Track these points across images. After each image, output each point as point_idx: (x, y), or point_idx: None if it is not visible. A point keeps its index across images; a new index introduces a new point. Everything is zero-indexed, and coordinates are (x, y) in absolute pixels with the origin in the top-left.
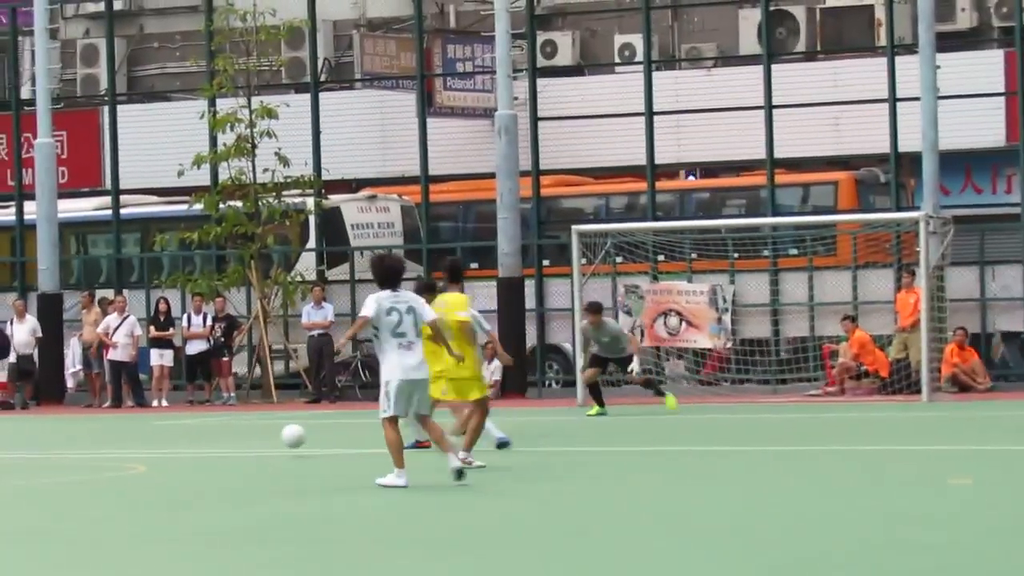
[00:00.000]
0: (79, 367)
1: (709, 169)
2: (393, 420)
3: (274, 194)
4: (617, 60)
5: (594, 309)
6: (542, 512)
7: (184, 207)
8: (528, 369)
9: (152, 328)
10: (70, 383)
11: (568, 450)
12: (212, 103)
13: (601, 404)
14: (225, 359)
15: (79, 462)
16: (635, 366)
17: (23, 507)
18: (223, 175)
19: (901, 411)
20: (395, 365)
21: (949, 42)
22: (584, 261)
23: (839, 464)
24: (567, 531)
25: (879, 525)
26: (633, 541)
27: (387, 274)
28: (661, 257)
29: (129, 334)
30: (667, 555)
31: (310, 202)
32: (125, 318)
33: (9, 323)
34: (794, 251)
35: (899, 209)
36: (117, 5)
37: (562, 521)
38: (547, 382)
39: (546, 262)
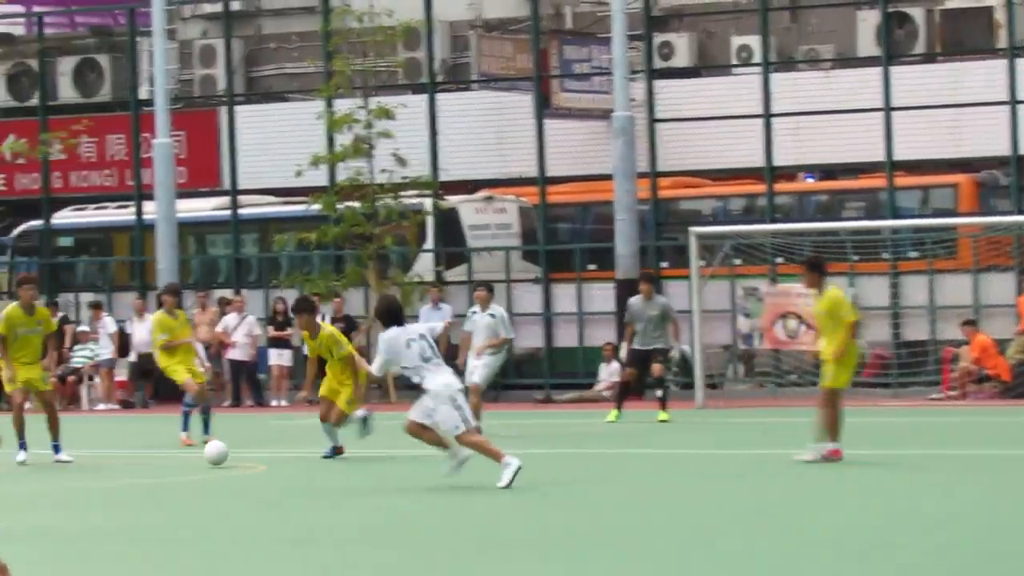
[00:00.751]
0: (206, 365)
1: (828, 171)
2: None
3: (391, 195)
4: (734, 61)
5: (648, 278)
6: (653, 513)
7: (302, 207)
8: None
9: (270, 328)
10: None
11: (679, 452)
12: (329, 104)
13: (619, 408)
14: None
15: (200, 461)
16: (675, 352)
17: (144, 506)
18: (340, 176)
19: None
20: (441, 384)
21: None
22: (702, 263)
23: (961, 469)
24: (692, 531)
25: (999, 530)
26: (752, 545)
27: (395, 313)
28: (780, 259)
29: (248, 334)
30: (774, 559)
31: (427, 203)
32: (244, 318)
33: (129, 322)
34: (914, 254)
35: (1020, 212)
36: (234, 6)
37: (680, 522)
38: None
39: (664, 264)
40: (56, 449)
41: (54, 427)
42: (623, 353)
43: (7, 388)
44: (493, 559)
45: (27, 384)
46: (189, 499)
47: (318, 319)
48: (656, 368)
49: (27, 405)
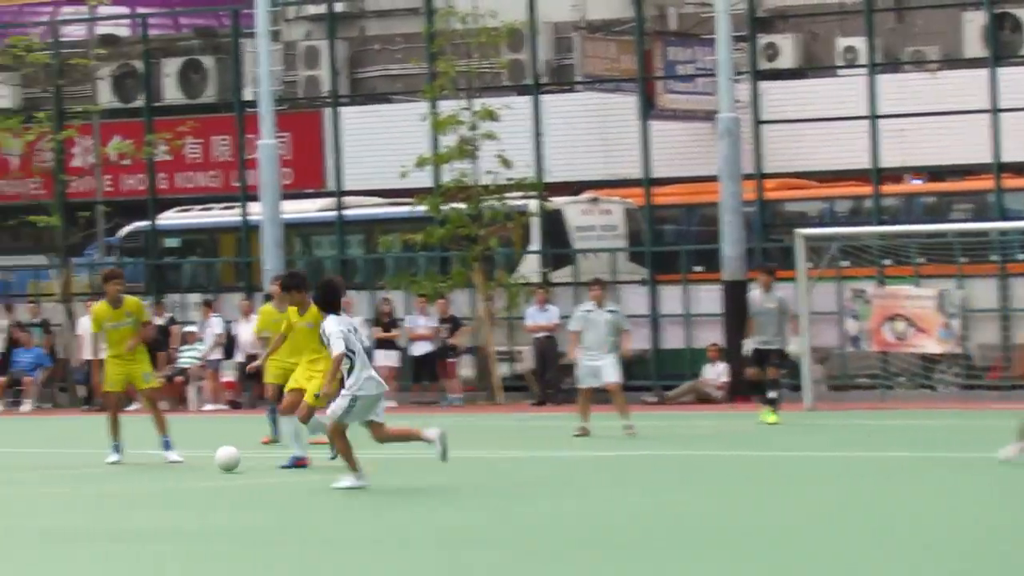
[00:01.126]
0: None
1: (935, 173)
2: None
3: (496, 196)
4: (839, 63)
5: (768, 270)
6: (758, 515)
7: (407, 209)
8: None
9: (377, 329)
10: None
11: (801, 455)
12: (433, 105)
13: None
14: (451, 360)
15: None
16: (793, 347)
17: (253, 506)
18: (445, 177)
19: None
20: (368, 379)
21: None
22: (810, 265)
23: None
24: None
25: None
26: (872, 548)
27: (337, 298)
28: (887, 261)
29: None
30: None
31: (532, 204)
32: (350, 319)
33: (235, 323)
34: (1022, 256)
35: None
36: (339, 7)
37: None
38: None
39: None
40: (167, 446)
41: (160, 424)
42: (746, 348)
43: (106, 387)
44: (600, 560)
45: (126, 379)
46: (299, 499)
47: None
48: (771, 371)
49: (133, 405)
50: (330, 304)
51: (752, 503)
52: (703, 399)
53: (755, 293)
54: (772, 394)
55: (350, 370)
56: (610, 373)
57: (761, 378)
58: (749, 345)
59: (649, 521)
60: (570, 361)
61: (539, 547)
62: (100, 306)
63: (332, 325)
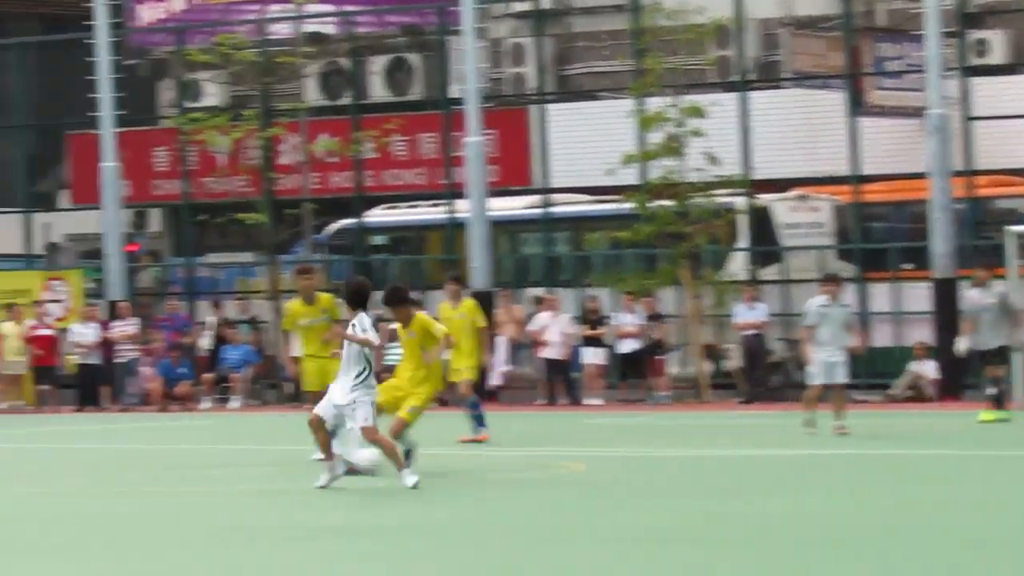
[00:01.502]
0: (506, 366)
1: None
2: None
3: (703, 193)
4: None
5: (987, 267)
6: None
7: (614, 206)
8: (963, 370)
9: (584, 327)
10: (497, 380)
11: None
12: (640, 102)
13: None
14: (658, 358)
15: (517, 460)
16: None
17: (457, 503)
18: (652, 174)
19: None
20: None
21: None
22: (1021, 263)
23: None
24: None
25: None
26: None
27: (366, 297)
28: None
29: (562, 332)
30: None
31: (740, 202)
32: (557, 317)
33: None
34: None
35: None
36: (545, 4)
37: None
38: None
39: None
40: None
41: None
42: (960, 347)
43: (306, 387)
44: (806, 560)
45: (324, 377)
46: (506, 497)
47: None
48: (990, 369)
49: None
50: (361, 303)
51: (974, 503)
52: (917, 397)
53: (973, 292)
54: (991, 391)
55: (368, 372)
56: (842, 372)
57: (997, 375)
58: (963, 344)
59: (866, 519)
60: (781, 359)
61: (751, 545)
62: (294, 303)
63: (367, 321)
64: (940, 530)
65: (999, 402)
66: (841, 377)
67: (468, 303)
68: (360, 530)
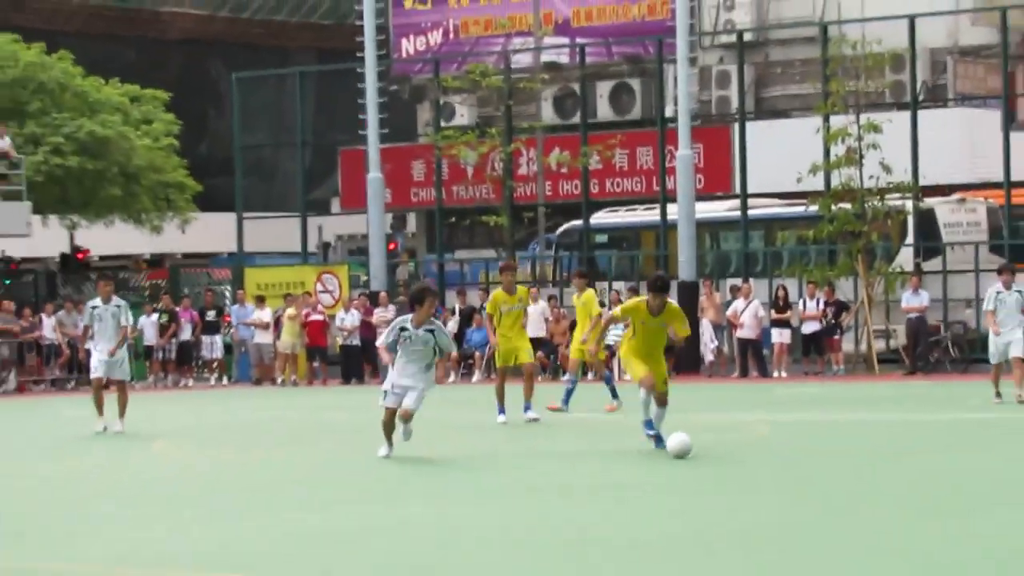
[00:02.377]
0: (714, 343)
1: None
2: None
3: (878, 197)
4: None
5: None
6: None
7: (801, 209)
8: None
9: (773, 311)
10: (708, 356)
11: None
12: (826, 120)
13: None
14: (835, 337)
15: (712, 423)
16: None
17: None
18: (834, 181)
19: None
20: (397, 373)
21: None
22: None
23: None
24: None
25: None
26: None
27: (413, 300)
28: None
29: (754, 315)
30: None
31: (909, 204)
32: (750, 302)
33: None
34: None
35: None
36: (747, 37)
37: None
38: None
39: None
40: (526, 408)
41: (528, 391)
42: None
43: (498, 363)
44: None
45: (512, 354)
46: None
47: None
48: None
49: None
50: (410, 305)
51: None
52: None
53: None
54: None
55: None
56: (1017, 348)
57: None
58: None
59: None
60: (940, 338)
61: (929, 503)
62: (498, 292)
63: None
64: None
65: None
66: (1016, 353)
67: (524, 291)
68: (615, 486)
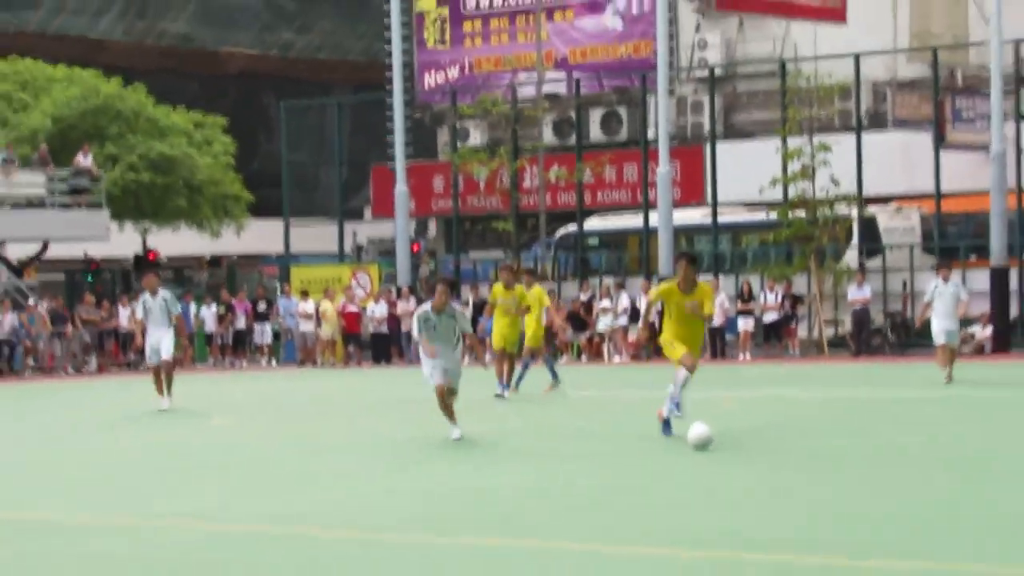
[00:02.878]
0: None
1: None
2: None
3: (828, 206)
4: None
5: None
6: None
7: (763, 216)
8: (1012, 331)
9: (738, 302)
10: None
11: None
12: (784, 141)
13: None
14: (792, 326)
15: (687, 398)
16: None
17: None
18: (791, 193)
19: None
20: (423, 359)
21: None
22: None
23: None
24: None
25: None
26: None
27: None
28: None
29: (721, 307)
30: None
31: (854, 212)
32: (719, 295)
33: (639, 298)
34: None
35: None
36: (717, 72)
37: None
38: None
39: None
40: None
41: (508, 373)
42: None
43: (495, 346)
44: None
45: (500, 339)
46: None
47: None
48: None
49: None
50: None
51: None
52: (977, 351)
53: None
54: None
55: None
56: (952, 337)
57: None
58: None
59: (969, 443)
60: (880, 326)
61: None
62: (497, 287)
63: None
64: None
65: None
66: (952, 340)
67: (520, 289)
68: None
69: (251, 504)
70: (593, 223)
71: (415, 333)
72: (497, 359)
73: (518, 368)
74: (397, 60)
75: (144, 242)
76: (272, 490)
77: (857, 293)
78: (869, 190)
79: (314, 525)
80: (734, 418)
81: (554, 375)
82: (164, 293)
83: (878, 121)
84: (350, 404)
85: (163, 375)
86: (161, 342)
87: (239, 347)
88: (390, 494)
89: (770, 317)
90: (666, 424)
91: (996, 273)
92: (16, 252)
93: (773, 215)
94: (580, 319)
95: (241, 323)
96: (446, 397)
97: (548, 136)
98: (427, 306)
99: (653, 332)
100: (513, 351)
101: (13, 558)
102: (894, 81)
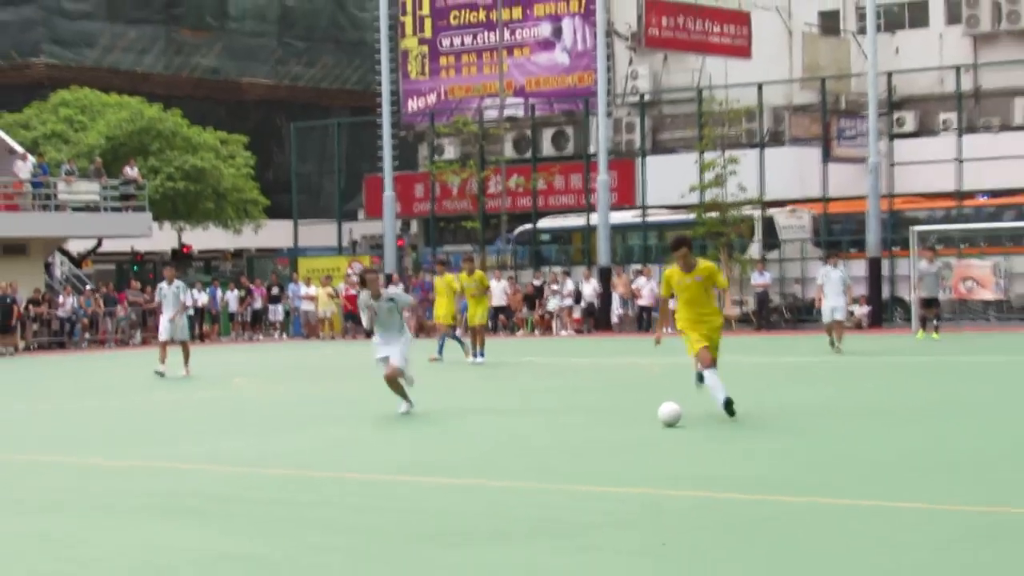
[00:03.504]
0: (620, 309)
1: (993, 193)
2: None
3: (736, 209)
4: (940, 129)
5: (932, 249)
6: None
7: (683, 216)
8: (884, 311)
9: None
10: (615, 319)
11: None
12: (701, 155)
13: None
14: None
15: (620, 364)
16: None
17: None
18: (707, 197)
19: None
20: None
21: None
22: (919, 248)
23: None
24: None
25: None
26: None
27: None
28: (964, 245)
29: (650, 290)
30: None
31: (756, 213)
32: (649, 281)
33: (582, 282)
34: None
35: None
36: (647, 98)
37: None
38: None
39: (896, 247)
40: (478, 355)
41: (480, 343)
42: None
43: (469, 323)
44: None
45: (471, 317)
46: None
47: None
48: (933, 310)
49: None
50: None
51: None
52: (856, 326)
53: (923, 263)
54: (935, 323)
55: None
56: (839, 313)
57: (927, 315)
58: (918, 295)
59: (855, 399)
60: (778, 305)
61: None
62: (461, 274)
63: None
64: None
65: (925, 326)
66: (839, 316)
67: (479, 273)
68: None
69: (258, 447)
70: (545, 222)
71: (365, 322)
72: (470, 332)
73: (458, 341)
74: (386, 89)
75: (179, 238)
76: (274, 436)
77: (759, 279)
78: (769, 195)
79: (305, 467)
80: (663, 380)
81: (441, 351)
82: (178, 283)
83: (777, 139)
84: (343, 369)
85: (183, 350)
86: (176, 324)
87: (256, 323)
88: (380, 441)
89: None
90: (726, 403)
91: (872, 263)
92: (76, 247)
93: (692, 215)
94: (533, 300)
95: (258, 304)
96: (393, 380)
97: (509, 151)
98: (366, 294)
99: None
100: (484, 323)
101: (74, 493)
102: (790, 106)
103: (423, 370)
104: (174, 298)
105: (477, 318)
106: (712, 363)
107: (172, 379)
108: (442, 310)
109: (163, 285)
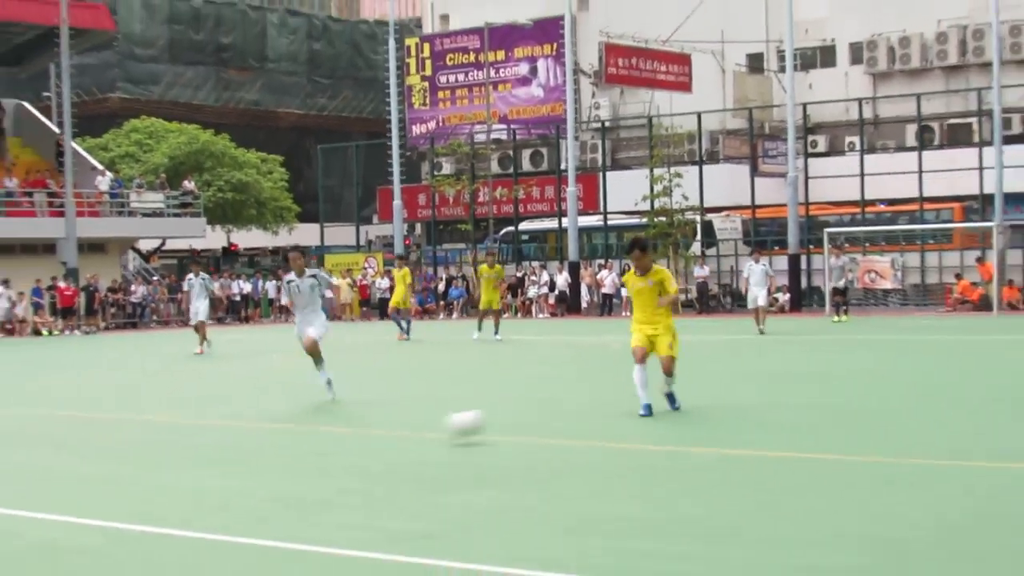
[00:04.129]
0: (587, 296)
1: (892, 201)
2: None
3: (680, 214)
4: (846, 149)
5: (839, 246)
6: None
7: (637, 220)
8: (803, 298)
9: (621, 278)
10: (583, 304)
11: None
12: (651, 170)
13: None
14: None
15: (585, 342)
16: (842, 285)
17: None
18: (656, 205)
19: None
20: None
21: None
22: (830, 246)
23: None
24: None
25: None
26: None
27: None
28: (868, 244)
29: (612, 281)
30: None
31: (697, 218)
32: (611, 272)
33: (556, 274)
34: (931, 242)
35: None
36: (608, 124)
37: None
38: None
39: (811, 245)
40: (496, 333)
41: (496, 324)
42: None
43: (481, 307)
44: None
45: (486, 303)
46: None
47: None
48: (841, 296)
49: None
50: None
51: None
52: (780, 310)
53: (832, 259)
54: (844, 308)
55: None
56: (761, 300)
57: (838, 301)
58: (830, 285)
59: (801, 366)
60: (715, 293)
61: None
62: (483, 266)
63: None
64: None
65: (838, 311)
66: (761, 302)
67: (499, 267)
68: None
69: (281, 408)
70: (525, 225)
71: (283, 298)
72: (479, 314)
73: (404, 322)
74: (395, 117)
75: (228, 238)
76: (306, 399)
77: (700, 271)
78: (707, 203)
79: (333, 423)
80: (623, 354)
81: (401, 327)
82: (203, 275)
83: (713, 157)
84: (362, 345)
85: (200, 331)
86: (199, 309)
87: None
88: (378, 400)
89: None
90: (670, 399)
91: (792, 259)
92: (145, 245)
93: (644, 220)
94: (515, 289)
95: None
96: (310, 349)
97: (495, 167)
98: (292, 274)
99: None
100: (498, 308)
101: (142, 446)
102: (724, 130)
103: (436, 346)
104: (201, 289)
105: (496, 303)
106: (643, 359)
107: (218, 355)
108: (398, 296)
109: (191, 277)
